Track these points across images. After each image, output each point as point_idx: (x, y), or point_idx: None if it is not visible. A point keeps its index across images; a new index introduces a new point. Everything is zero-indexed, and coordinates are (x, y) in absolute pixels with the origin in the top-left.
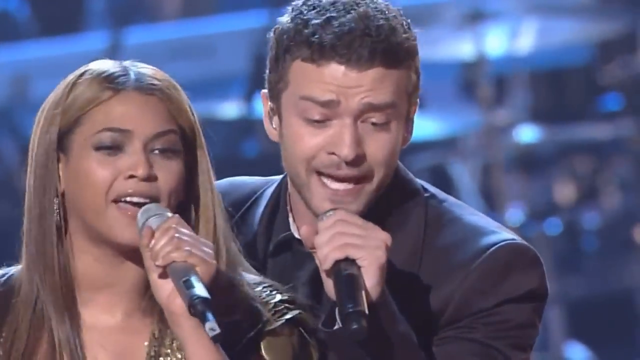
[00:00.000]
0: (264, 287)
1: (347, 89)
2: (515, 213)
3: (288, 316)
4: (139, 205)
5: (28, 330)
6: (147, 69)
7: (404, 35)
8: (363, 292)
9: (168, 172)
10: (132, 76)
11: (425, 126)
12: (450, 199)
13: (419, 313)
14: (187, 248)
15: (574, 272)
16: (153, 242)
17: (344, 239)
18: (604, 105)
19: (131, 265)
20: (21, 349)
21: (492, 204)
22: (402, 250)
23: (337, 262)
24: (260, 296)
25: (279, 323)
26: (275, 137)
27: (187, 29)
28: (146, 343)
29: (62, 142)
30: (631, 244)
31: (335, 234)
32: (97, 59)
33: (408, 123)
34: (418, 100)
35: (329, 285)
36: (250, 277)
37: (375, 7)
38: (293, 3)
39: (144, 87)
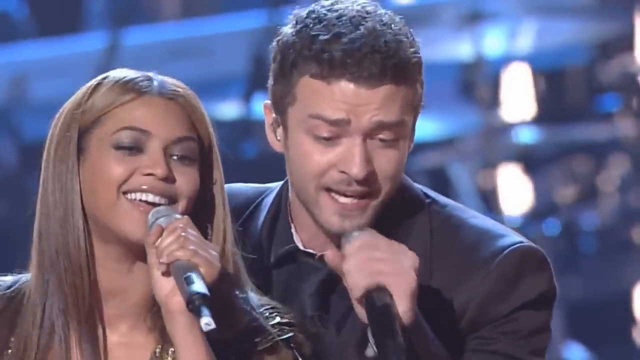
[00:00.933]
0: (265, 309)
1: (358, 107)
2: (514, 214)
3: (287, 335)
4: (154, 205)
5: (39, 335)
6: (169, 78)
7: (411, 49)
8: (397, 321)
9: (186, 177)
10: (155, 82)
11: (424, 127)
12: (451, 202)
13: (435, 324)
14: (192, 247)
15: (573, 272)
16: (160, 240)
17: (374, 265)
18: (602, 105)
19: (140, 274)
20: (33, 355)
21: (491, 205)
22: None
23: (368, 290)
24: (261, 318)
25: (277, 339)
26: (280, 148)
27: (186, 30)
28: None
29: (80, 142)
30: (630, 244)
31: (365, 259)
32: (96, 59)
33: (412, 133)
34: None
35: (361, 312)
36: (253, 296)
37: (382, 21)
38: (295, 13)
39: (166, 92)
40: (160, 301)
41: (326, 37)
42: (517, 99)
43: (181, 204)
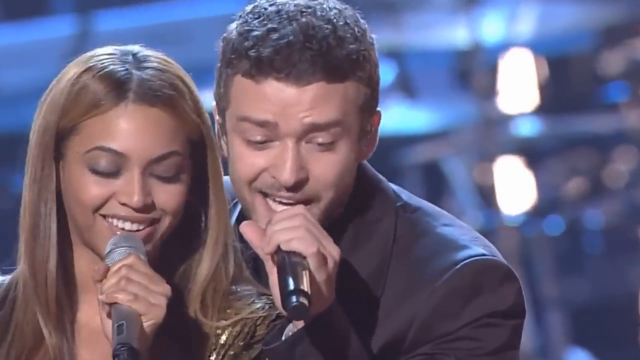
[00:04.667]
0: (266, 302)
1: (286, 108)
2: (514, 212)
3: None
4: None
5: (32, 333)
6: (152, 70)
7: (352, 46)
8: (306, 274)
9: (168, 195)
10: (134, 83)
11: (417, 118)
12: (425, 206)
13: (381, 336)
14: (133, 291)
15: (577, 274)
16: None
17: (297, 232)
18: (608, 95)
19: None
20: (22, 354)
21: (488, 202)
22: (366, 266)
23: (281, 250)
24: (263, 308)
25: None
26: (226, 153)
27: (163, 14)
28: None
29: (59, 146)
30: (637, 244)
31: (292, 228)
32: (65, 46)
33: (365, 137)
34: (379, 110)
35: (273, 277)
36: (252, 289)
37: (323, 16)
38: (243, 9)
39: (145, 99)
40: (107, 339)
41: (258, 33)
42: (517, 88)
43: (164, 222)
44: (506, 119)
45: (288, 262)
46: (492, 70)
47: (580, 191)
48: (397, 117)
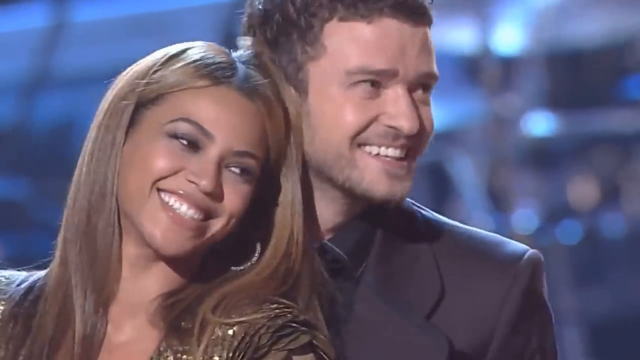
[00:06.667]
0: (272, 310)
1: (404, 49)
2: (527, 216)
3: (292, 345)
4: (185, 219)
5: (55, 322)
6: (254, 68)
7: None
8: None
9: (235, 194)
10: (240, 72)
11: None
12: (432, 213)
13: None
14: None
15: (595, 284)
16: None
17: None
18: (629, 90)
19: (155, 275)
20: (45, 344)
21: (499, 206)
22: (413, 271)
23: None
24: (268, 316)
25: (280, 353)
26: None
27: (146, 4)
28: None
29: (133, 114)
30: None
31: None
32: (37, 39)
33: None
34: None
35: None
36: (272, 298)
37: None
38: None
39: (247, 90)
40: None
41: None
42: (530, 83)
43: (220, 222)
44: (518, 116)
45: None
46: (503, 63)
47: (599, 195)
48: None
